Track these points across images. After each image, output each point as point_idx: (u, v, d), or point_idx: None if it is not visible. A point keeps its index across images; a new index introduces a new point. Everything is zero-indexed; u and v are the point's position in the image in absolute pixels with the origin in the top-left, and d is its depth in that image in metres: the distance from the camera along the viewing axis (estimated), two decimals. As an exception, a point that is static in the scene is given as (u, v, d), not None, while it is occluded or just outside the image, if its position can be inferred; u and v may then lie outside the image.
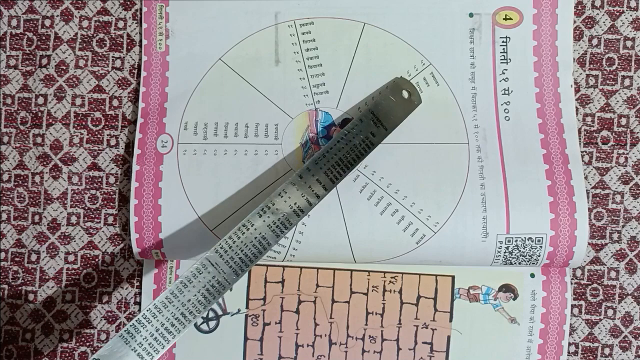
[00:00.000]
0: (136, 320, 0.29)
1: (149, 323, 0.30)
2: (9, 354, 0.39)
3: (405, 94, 0.37)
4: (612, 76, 0.39)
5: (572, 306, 0.39)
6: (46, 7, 0.40)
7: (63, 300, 0.39)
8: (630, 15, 0.39)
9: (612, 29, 0.39)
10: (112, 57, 0.40)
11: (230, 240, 0.31)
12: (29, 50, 0.40)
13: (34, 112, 0.39)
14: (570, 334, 0.39)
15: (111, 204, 0.39)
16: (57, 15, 0.40)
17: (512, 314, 0.39)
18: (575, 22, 0.39)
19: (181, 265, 0.39)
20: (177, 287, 0.30)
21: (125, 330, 0.29)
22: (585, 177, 0.39)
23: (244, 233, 0.32)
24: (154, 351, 0.29)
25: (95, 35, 0.40)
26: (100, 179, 0.39)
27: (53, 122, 0.39)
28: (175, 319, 0.30)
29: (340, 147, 0.34)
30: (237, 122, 0.38)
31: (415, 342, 0.39)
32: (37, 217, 0.39)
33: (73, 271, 0.39)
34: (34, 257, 0.39)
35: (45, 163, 0.39)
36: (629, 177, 0.39)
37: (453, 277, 0.39)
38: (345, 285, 0.39)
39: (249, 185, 0.37)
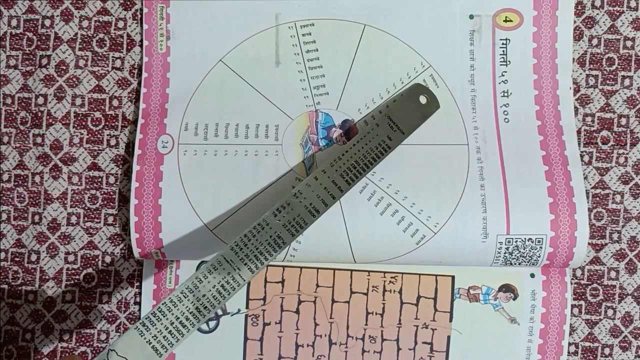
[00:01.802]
0: (151, 314, 0.30)
1: (164, 317, 0.30)
2: (9, 354, 0.39)
3: (422, 99, 0.37)
4: (612, 76, 0.39)
5: (572, 306, 0.39)
6: (46, 7, 0.40)
7: (63, 300, 0.39)
8: (630, 15, 0.39)
9: (612, 29, 0.39)
10: (112, 57, 0.40)
11: (245, 238, 0.32)
12: (29, 50, 0.39)
13: (34, 112, 0.39)
14: (570, 334, 0.39)
15: (111, 204, 0.39)
16: (57, 15, 0.40)
17: (512, 314, 0.39)
18: (575, 22, 0.39)
19: (181, 265, 0.39)
20: (193, 283, 0.30)
21: (140, 323, 0.29)
22: (585, 177, 0.39)
23: (259, 232, 0.32)
24: (168, 344, 0.30)
25: (95, 35, 0.40)
26: (100, 179, 0.39)
27: (53, 122, 0.39)
28: (190, 313, 0.30)
29: (356, 150, 0.35)
30: (237, 123, 0.38)
31: (415, 342, 0.39)
32: (37, 217, 0.39)
33: (73, 271, 0.39)
34: (34, 257, 0.39)
35: (45, 163, 0.39)
36: (629, 177, 0.39)
37: (453, 277, 0.39)
38: (345, 285, 0.39)
39: (249, 185, 0.37)
